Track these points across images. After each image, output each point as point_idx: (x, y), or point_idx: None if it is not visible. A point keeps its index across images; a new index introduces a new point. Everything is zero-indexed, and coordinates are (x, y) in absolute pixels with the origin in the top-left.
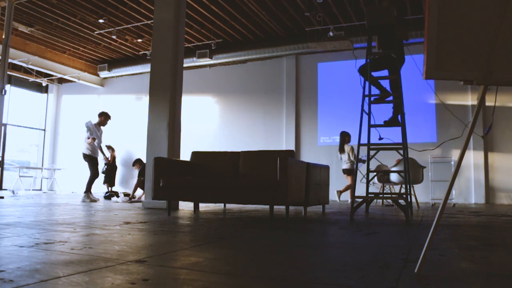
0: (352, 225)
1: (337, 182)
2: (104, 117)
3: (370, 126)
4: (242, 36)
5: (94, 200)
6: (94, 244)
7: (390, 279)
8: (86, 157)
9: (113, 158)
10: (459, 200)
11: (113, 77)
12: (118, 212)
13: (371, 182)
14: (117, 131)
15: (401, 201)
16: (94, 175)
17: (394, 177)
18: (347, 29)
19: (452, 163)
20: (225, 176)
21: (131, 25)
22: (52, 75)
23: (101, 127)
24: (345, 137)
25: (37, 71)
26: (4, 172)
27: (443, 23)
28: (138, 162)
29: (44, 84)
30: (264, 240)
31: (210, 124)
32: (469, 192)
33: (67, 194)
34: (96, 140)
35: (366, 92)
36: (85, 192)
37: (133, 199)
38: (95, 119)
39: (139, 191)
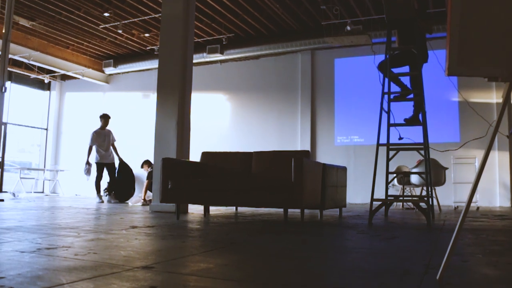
0: (371, 229)
1: (355, 184)
2: (103, 120)
3: (389, 125)
4: (254, 31)
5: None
6: (99, 250)
7: (411, 286)
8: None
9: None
10: (483, 203)
11: (119, 73)
12: (124, 215)
13: (390, 184)
14: (123, 131)
15: (422, 204)
16: (98, 178)
17: (414, 179)
18: (365, 23)
19: (476, 164)
20: (237, 178)
21: (138, 19)
22: (54, 72)
23: (106, 129)
24: None
25: (39, 67)
26: (4, 173)
27: (466, 17)
28: (146, 163)
29: (46, 81)
30: (278, 245)
31: (221, 123)
32: (493, 194)
33: (70, 197)
34: (98, 148)
35: (386, 90)
36: (109, 195)
37: (146, 203)
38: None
39: (149, 193)
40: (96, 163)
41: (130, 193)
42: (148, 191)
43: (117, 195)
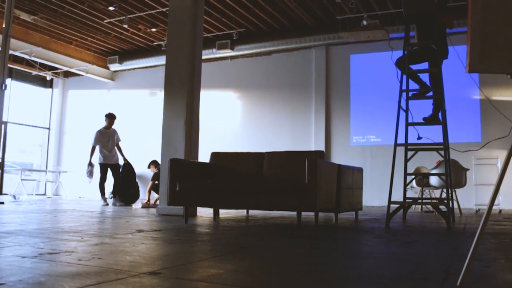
0: (388, 233)
1: (371, 185)
2: (108, 119)
3: (407, 124)
4: (266, 25)
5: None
6: (103, 255)
7: None
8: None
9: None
10: (506, 206)
11: (124, 70)
12: (129, 219)
13: (409, 186)
14: (129, 130)
15: (442, 207)
16: (102, 179)
17: (434, 180)
18: (383, 18)
19: (498, 165)
20: (248, 180)
21: (144, 13)
22: (57, 68)
23: (111, 128)
24: None
25: (41, 64)
26: (5, 175)
27: (488, 10)
28: (153, 163)
29: (48, 78)
30: (291, 250)
31: (232, 122)
32: None
33: (73, 199)
34: (101, 149)
35: (404, 87)
36: (114, 198)
37: (148, 205)
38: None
39: (153, 195)
40: (100, 164)
41: (135, 195)
42: (153, 193)
43: (122, 198)
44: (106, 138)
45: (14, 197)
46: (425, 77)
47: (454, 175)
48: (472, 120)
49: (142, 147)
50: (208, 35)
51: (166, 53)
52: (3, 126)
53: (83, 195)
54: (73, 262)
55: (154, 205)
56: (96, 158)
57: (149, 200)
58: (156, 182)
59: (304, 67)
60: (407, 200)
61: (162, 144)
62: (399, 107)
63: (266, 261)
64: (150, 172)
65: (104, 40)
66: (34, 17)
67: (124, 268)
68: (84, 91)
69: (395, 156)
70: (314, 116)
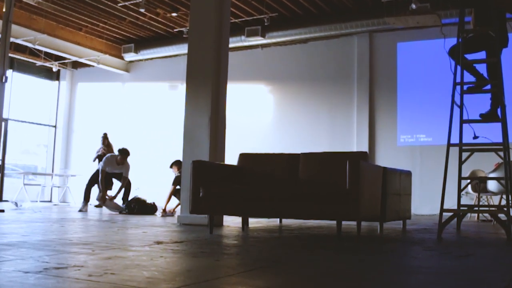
0: (440, 245)
1: (421, 191)
2: (120, 156)
3: (462, 121)
4: (302, 9)
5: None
6: (117, 269)
7: None
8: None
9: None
10: None
11: (141, 60)
12: (147, 229)
13: (463, 192)
14: (146, 128)
15: (502, 216)
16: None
17: (492, 185)
18: (434, 1)
19: None
20: (281, 184)
21: None
22: (65, 58)
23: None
24: None
25: (46, 53)
26: (5, 179)
27: None
28: (176, 164)
29: (54, 69)
30: (330, 264)
31: (263, 119)
32: None
33: None
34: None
35: (458, 80)
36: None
37: (166, 214)
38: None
39: (175, 201)
40: (98, 169)
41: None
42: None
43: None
44: (111, 168)
45: (16, 204)
46: (482, 68)
47: None
48: None
49: (161, 147)
50: (236, 20)
51: (188, 41)
52: (3, 123)
53: (93, 201)
54: (83, 278)
55: (172, 213)
56: (97, 164)
57: (165, 208)
58: (178, 186)
59: (345, 57)
60: (461, 208)
61: (184, 144)
62: (453, 102)
63: (302, 277)
64: (171, 175)
65: (118, 26)
66: (38, 0)
67: (141, 285)
68: (95, 84)
69: (448, 158)
70: (356, 113)
